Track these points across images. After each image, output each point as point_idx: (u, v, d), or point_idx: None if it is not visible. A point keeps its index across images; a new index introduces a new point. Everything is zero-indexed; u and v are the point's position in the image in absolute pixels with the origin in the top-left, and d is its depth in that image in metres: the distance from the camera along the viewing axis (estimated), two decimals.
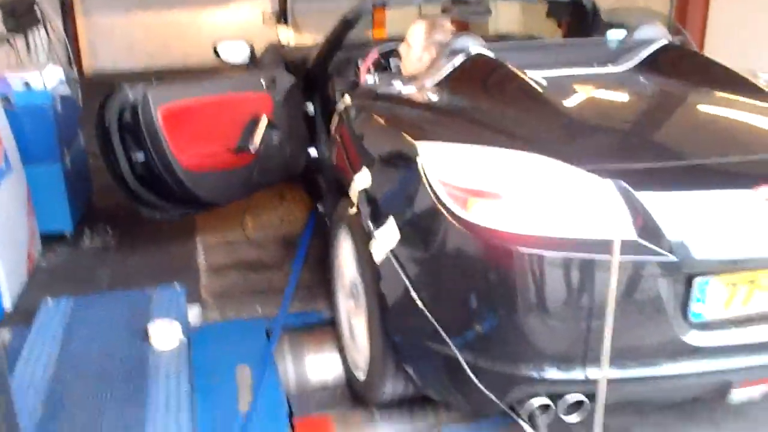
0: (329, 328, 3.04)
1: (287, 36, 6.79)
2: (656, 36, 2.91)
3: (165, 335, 2.70)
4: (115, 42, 8.81)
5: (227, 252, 3.90)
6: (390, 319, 2.26)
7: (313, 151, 3.78)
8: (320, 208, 3.77)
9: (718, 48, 4.81)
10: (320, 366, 2.93)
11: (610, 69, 2.82)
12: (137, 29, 8.78)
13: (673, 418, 2.43)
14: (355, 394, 2.79)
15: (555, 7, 4.03)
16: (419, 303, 2.05)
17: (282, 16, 7.19)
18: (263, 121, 3.45)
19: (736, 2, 4.80)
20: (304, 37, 6.48)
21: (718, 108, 2.42)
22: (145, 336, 2.70)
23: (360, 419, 2.58)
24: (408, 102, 2.60)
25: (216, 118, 3.36)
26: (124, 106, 3.20)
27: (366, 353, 2.50)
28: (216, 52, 3.62)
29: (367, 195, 2.32)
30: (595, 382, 1.85)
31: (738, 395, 2.08)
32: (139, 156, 3.24)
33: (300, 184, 4.41)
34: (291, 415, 2.54)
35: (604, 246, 1.77)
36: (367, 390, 2.55)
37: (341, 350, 2.88)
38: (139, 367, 2.55)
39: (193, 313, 3.13)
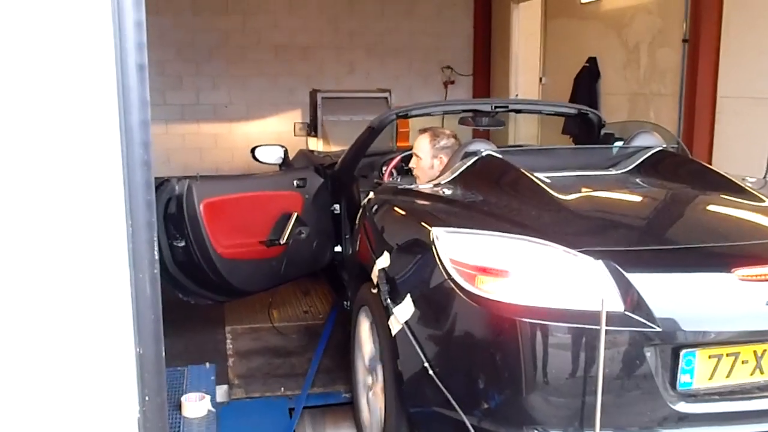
0: (347, 408, 3.22)
1: (316, 145, 7.28)
2: (651, 143, 3.23)
3: (196, 406, 2.90)
4: (156, 154, 9.30)
5: (253, 339, 4.13)
6: (405, 388, 2.45)
7: (338, 248, 4.07)
8: (346, 305, 4.01)
9: (724, 157, 5.18)
10: None
11: (609, 172, 3.12)
12: (174, 140, 9.31)
13: None
14: None
15: (570, 124, 4.38)
16: (431, 371, 2.26)
17: (312, 127, 7.68)
18: (293, 218, 3.77)
19: (738, 118, 5.18)
20: (330, 147, 6.94)
21: (702, 202, 2.69)
22: (179, 407, 2.91)
23: None
24: (424, 196, 2.91)
25: (251, 213, 3.68)
26: (170, 198, 3.53)
27: (381, 425, 2.68)
28: (253, 154, 3.98)
29: (386, 274, 2.58)
30: None
31: None
32: (180, 243, 3.54)
33: (324, 282, 4.68)
34: None
35: (595, 316, 2.00)
36: None
37: (358, 427, 3.05)
38: None
39: (221, 392, 3.33)
